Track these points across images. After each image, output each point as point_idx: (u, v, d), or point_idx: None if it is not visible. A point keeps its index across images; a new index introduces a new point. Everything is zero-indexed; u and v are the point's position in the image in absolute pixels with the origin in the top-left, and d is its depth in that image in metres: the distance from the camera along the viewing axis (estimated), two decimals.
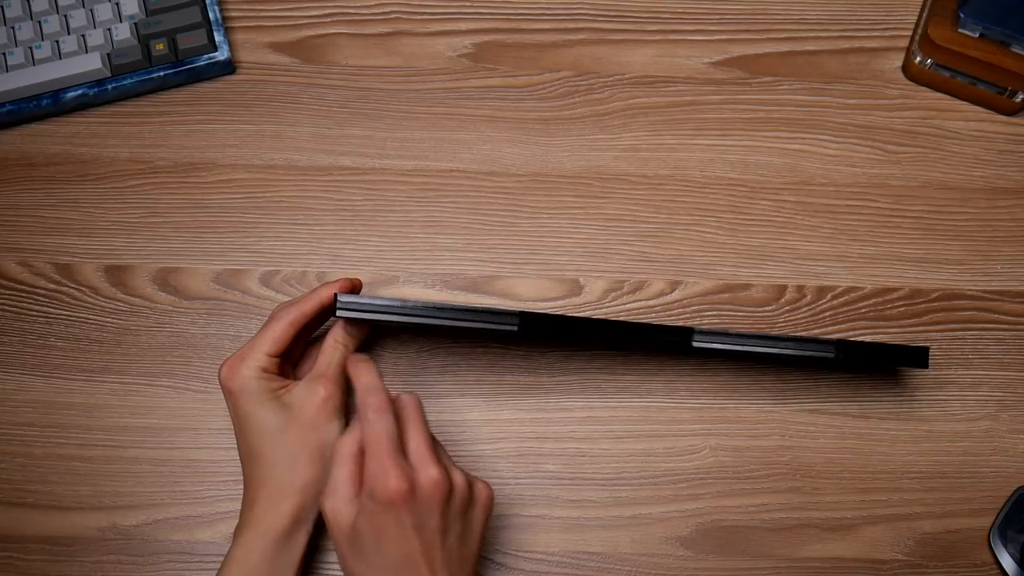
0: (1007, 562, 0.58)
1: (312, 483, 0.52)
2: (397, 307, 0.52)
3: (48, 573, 0.57)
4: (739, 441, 0.60)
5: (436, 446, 0.51)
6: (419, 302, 0.52)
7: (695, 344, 0.55)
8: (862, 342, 0.56)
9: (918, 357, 0.56)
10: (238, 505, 0.54)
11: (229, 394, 0.53)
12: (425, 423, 0.50)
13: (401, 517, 0.47)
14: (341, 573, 0.57)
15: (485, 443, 0.60)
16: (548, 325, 0.54)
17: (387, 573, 0.47)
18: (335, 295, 0.53)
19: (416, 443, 0.49)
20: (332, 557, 0.57)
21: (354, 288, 0.57)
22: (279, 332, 0.53)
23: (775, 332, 0.57)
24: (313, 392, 0.53)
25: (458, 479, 0.49)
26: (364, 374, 0.51)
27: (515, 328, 0.53)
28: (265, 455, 0.52)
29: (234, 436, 0.54)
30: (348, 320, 0.55)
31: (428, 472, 0.48)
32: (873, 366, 0.58)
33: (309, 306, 0.54)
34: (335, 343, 0.54)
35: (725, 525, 0.59)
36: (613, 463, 0.60)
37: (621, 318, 0.62)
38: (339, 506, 0.48)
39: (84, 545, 0.57)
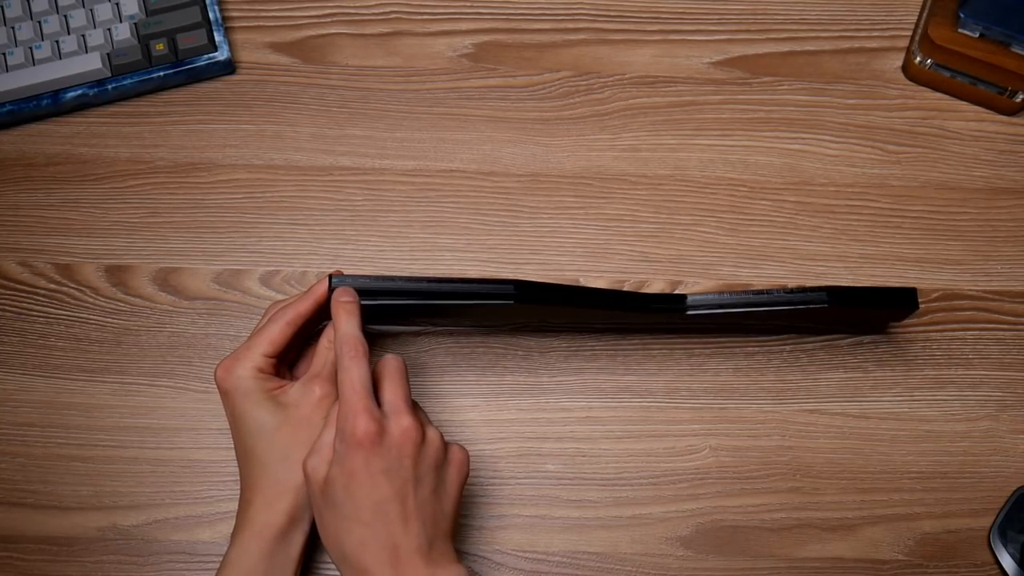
0: (1007, 562, 0.58)
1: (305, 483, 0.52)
2: (391, 287, 0.52)
3: (48, 573, 0.57)
4: (739, 441, 0.60)
5: (414, 404, 0.51)
6: (413, 279, 0.52)
7: (689, 311, 0.56)
8: (853, 287, 0.57)
9: (907, 298, 0.57)
10: (238, 505, 0.54)
11: (225, 394, 0.53)
12: (405, 382, 0.50)
13: (370, 461, 0.47)
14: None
15: (485, 443, 0.60)
16: (543, 293, 0.54)
17: (359, 523, 0.47)
18: (329, 276, 0.53)
19: (392, 395, 0.49)
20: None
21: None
22: (276, 333, 0.53)
23: (766, 289, 0.57)
24: (308, 392, 0.53)
25: (432, 433, 0.49)
26: (343, 323, 0.51)
27: (511, 301, 0.53)
28: (260, 454, 0.52)
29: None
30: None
31: (399, 419, 0.48)
32: (865, 311, 0.59)
33: (305, 306, 0.54)
34: (329, 343, 0.54)
35: (725, 525, 0.59)
36: (613, 463, 0.60)
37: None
38: (318, 464, 0.49)
39: (84, 545, 0.57)
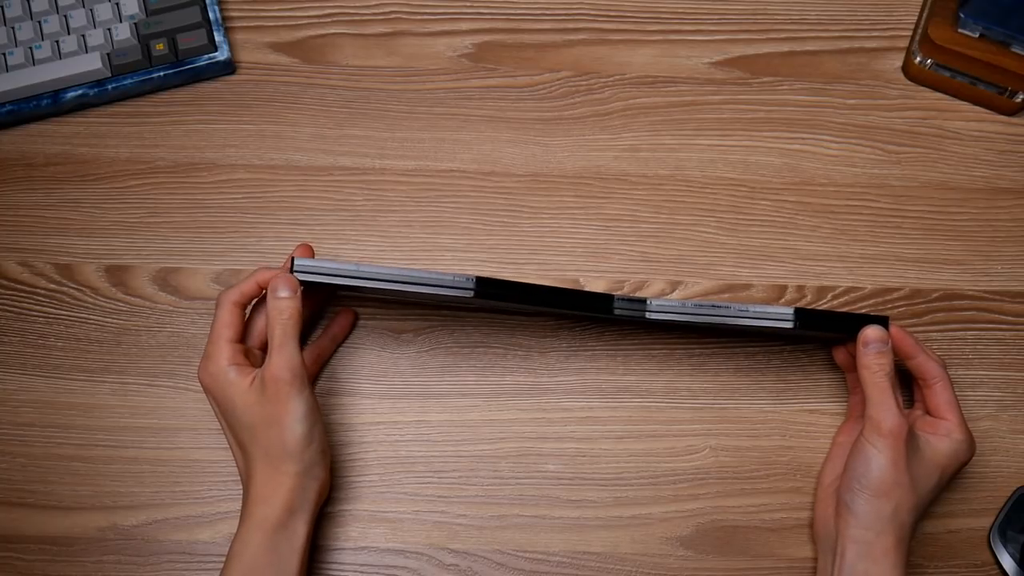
0: (1007, 562, 0.58)
1: (301, 471, 0.52)
2: (352, 271, 0.52)
3: (48, 573, 0.57)
4: (739, 441, 0.60)
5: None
6: (376, 267, 0.52)
7: (648, 316, 0.55)
8: (821, 310, 0.55)
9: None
10: (238, 505, 0.54)
11: (210, 392, 0.53)
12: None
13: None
14: (344, 572, 0.57)
15: (485, 443, 0.60)
16: (504, 289, 0.53)
17: None
18: (292, 258, 0.52)
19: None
20: (333, 557, 0.57)
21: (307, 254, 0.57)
22: (226, 316, 0.53)
23: (736, 303, 0.56)
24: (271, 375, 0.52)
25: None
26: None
27: (471, 293, 0.52)
28: (249, 450, 0.52)
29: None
30: (305, 284, 0.54)
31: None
32: (833, 335, 0.58)
33: (248, 285, 0.54)
34: (276, 312, 0.52)
35: (725, 525, 0.59)
36: (613, 463, 0.60)
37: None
38: None
39: (84, 545, 0.57)
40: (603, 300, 0.55)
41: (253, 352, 0.56)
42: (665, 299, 0.56)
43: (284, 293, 0.52)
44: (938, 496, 0.59)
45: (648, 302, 0.55)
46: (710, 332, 0.62)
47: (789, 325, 0.54)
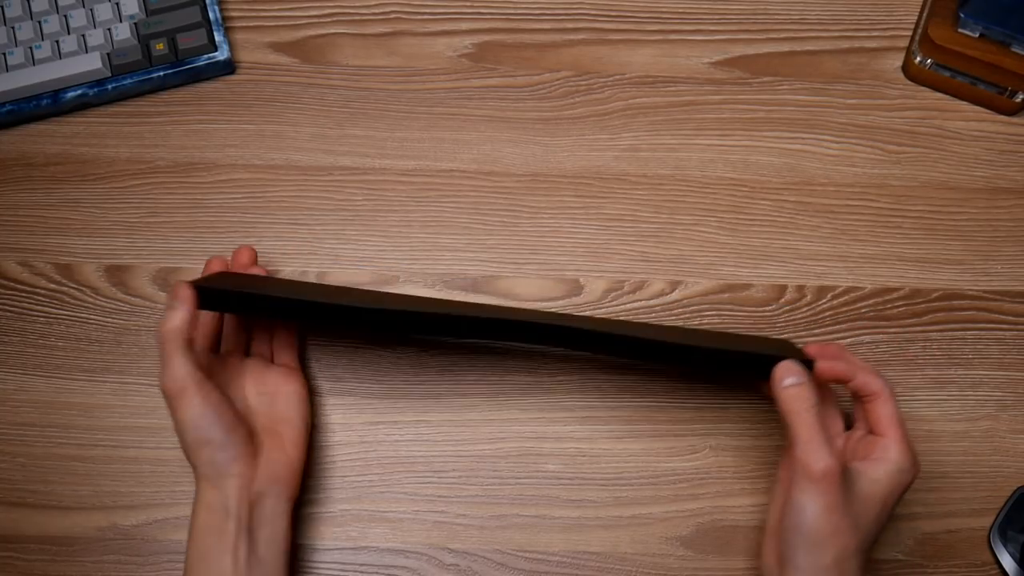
0: (1007, 562, 0.58)
1: (203, 474, 0.52)
2: (256, 302, 0.51)
3: (48, 573, 0.57)
4: (739, 441, 0.60)
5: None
6: (281, 296, 0.51)
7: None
8: (720, 351, 0.51)
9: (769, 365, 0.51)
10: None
11: (171, 397, 0.51)
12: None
13: None
14: (344, 572, 0.57)
15: (485, 443, 0.60)
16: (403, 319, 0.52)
17: None
18: (196, 287, 0.51)
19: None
20: (333, 557, 0.57)
21: (250, 258, 0.58)
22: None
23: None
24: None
25: None
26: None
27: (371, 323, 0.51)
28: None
29: None
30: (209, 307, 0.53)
31: None
32: (745, 373, 0.54)
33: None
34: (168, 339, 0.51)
35: (725, 525, 0.59)
36: (613, 463, 0.60)
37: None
38: None
39: (84, 545, 0.57)
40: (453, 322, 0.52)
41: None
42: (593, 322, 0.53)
43: (172, 307, 0.51)
44: (936, 497, 0.59)
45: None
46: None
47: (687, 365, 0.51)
